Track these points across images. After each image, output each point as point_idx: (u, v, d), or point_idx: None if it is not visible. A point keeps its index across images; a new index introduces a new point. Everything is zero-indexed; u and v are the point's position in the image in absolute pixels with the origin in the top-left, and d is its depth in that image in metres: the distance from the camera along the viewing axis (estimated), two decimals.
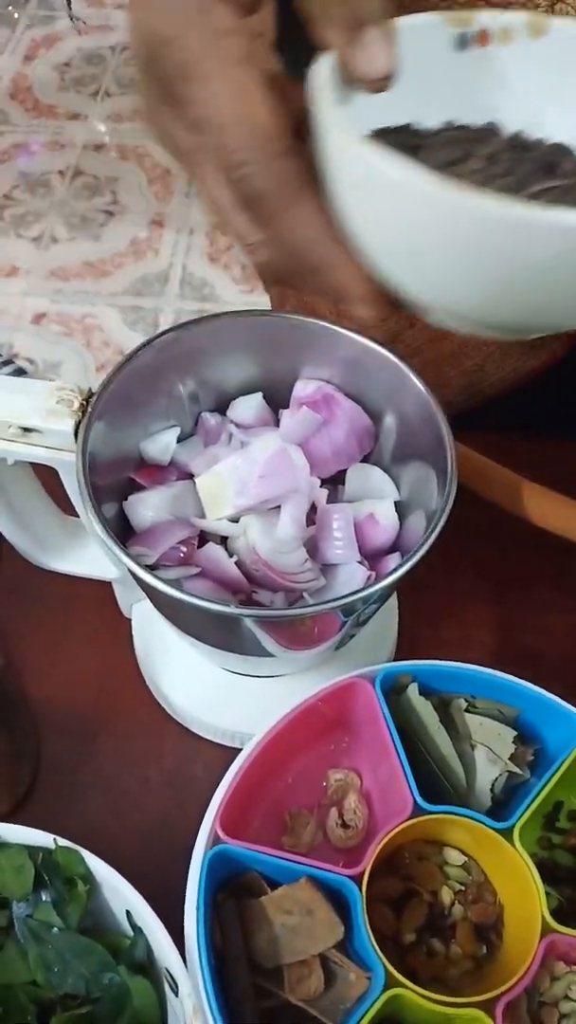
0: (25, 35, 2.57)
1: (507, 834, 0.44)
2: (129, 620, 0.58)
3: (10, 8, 2.53)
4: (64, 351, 1.85)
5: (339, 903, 0.44)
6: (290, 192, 0.33)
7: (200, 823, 0.45)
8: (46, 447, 0.43)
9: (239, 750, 0.47)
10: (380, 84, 0.32)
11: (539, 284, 0.30)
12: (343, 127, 0.31)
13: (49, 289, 1.97)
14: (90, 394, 0.43)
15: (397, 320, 0.64)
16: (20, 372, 0.65)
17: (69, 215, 2.12)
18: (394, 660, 0.57)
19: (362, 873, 0.43)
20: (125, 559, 0.39)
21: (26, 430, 0.42)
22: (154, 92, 0.35)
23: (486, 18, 0.37)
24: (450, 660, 0.49)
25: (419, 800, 0.45)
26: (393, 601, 0.57)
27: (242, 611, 0.38)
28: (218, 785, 0.45)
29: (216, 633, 0.45)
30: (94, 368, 1.82)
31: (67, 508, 0.49)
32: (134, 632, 0.57)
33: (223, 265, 2.01)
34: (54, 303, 1.94)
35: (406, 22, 0.35)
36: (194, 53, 0.33)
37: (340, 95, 0.33)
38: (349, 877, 0.43)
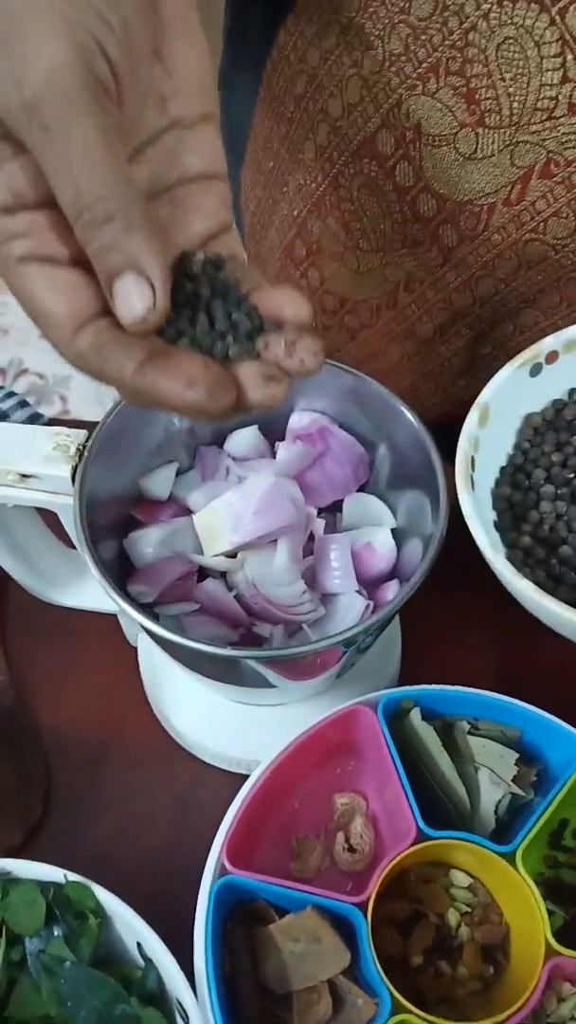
0: None
1: (510, 857, 0.45)
2: (135, 648, 0.59)
3: None
4: None
5: (346, 929, 0.45)
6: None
7: (209, 846, 0.45)
8: (44, 491, 0.44)
9: (246, 775, 0.47)
10: (144, 325, 0.30)
11: None
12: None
13: None
14: (87, 439, 0.44)
15: (339, 332, 0.65)
16: (23, 404, 0.66)
17: None
18: (398, 681, 0.58)
19: (367, 900, 0.44)
20: (123, 603, 0.40)
21: (25, 476, 0.43)
22: None
23: (550, 341, 0.46)
24: (454, 680, 0.50)
25: (422, 826, 0.45)
26: (395, 625, 0.58)
27: (238, 653, 0.39)
28: (226, 809, 0.46)
29: (217, 669, 0.45)
30: None
31: (71, 542, 0.50)
32: (140, 661, 0.58)
33: None
34: None
35: (495, 382, 0.46)
36: None
37: None
38: (354, 904, 0.44)
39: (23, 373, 1.85)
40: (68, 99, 0.29)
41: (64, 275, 0.31)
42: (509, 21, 0.43)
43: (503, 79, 0.45)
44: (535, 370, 0.47)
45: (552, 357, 0.47)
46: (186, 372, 0.30)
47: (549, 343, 0.47)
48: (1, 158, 0.31)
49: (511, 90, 0.45)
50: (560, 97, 0.45)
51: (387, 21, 0.46)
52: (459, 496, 0.42)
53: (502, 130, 0.47)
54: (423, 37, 0.46)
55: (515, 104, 0.46)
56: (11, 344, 1.90)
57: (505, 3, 0.43)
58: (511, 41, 0.44)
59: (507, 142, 0.47)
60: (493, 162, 0.49)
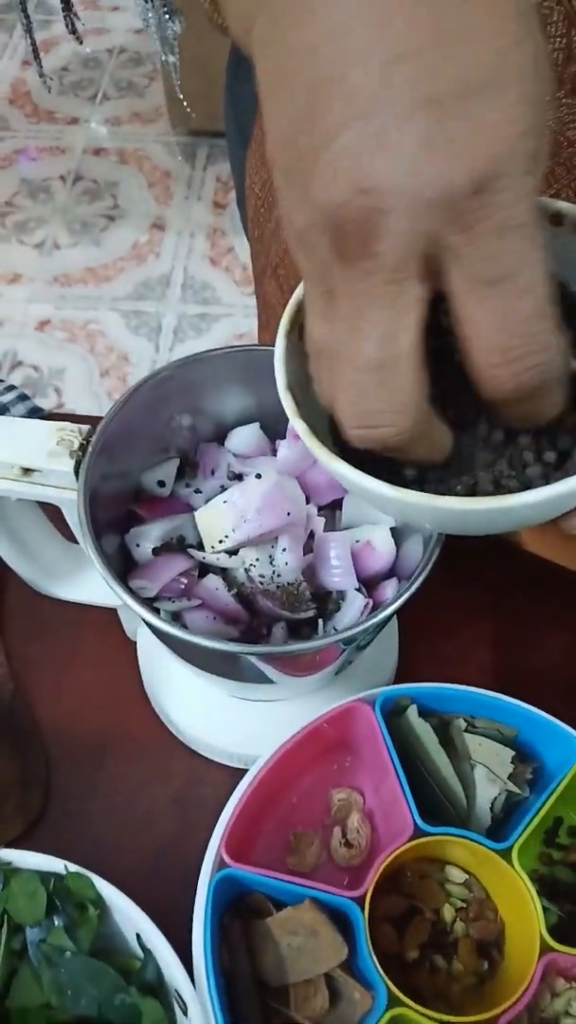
0: (23, 40, 2.57)
1: (506, 854, 0.45)
2: (134, 642, 0.59)
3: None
4: (68, 357, 1.86)
5: (343, 923, 0.45)
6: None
7: (206, 840, 0.46)
8: (48, 486, 0.44)
9: (245, 770, 0.48)
10: None
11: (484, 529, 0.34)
12: (309, 439, 0.32)
13: (52, 295, 1.98)
14: (90, 433, 0.44)
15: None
16: (23, 397, 0.66)
17: (71, 220, 2.12)
18: (396, 678, 0.58)
19: (364, 894, 0.44)
20: (126, 597, 0.40)
21: (28, 470, 0.44)
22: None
23: (564, 205, 0.40)
24: (451, 678, 0.50)
25: (419, 822, 0.46)
26: (393, 622, 0.58)
27: (241, 648, 0.39)
28: (224, 804, 0.47)
29: (217, 663, 0.46)
30: (98, 374, 1.83)
31: (72, 536, 0.50)
32: (139, 656, 0.58)
33: (224, 267, 2.02)
34: (58, 309, 1.95)
35: None
36: None
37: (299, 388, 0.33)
38: (352, 899, 0.44)
39: (18, 366, 1.85)
40: None
41: None
42: None
43: None
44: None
45: (555, 219, 0.39)
46: None
47: (564, 205, 0.41)
48: None
49: None
50: (565, 77, 0.44)
51: None
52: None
53: None
54: None
55: None
56: (5, 336, 1.90)
57: None
58: None
59: None
60: None
